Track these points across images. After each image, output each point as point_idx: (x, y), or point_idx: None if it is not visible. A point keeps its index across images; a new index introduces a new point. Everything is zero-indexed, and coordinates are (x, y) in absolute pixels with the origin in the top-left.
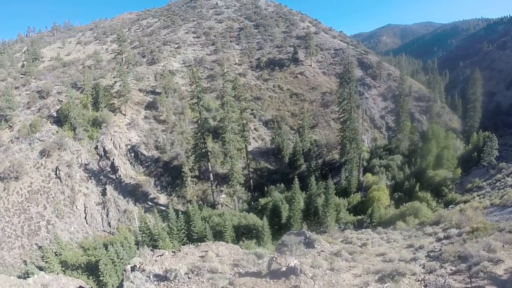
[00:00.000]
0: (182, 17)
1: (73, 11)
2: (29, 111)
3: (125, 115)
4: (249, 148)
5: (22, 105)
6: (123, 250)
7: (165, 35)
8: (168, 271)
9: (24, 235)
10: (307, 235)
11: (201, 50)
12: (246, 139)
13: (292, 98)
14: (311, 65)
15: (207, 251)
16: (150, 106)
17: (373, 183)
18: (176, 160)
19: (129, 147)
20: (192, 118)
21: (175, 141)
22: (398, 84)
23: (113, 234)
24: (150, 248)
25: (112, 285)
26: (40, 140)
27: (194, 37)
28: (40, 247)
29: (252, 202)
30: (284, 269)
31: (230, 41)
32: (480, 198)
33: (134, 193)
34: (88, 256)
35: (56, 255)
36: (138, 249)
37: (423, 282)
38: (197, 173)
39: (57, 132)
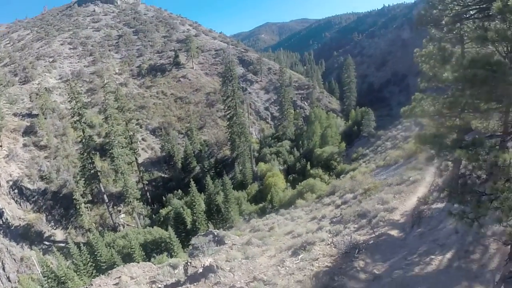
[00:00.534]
0: (57, 27)
1: None
2: None
3: (1, 146)
4: (140, 160)
5: None
6: None
7: (38, 48)
8: None
9: None
10: (215, 233)
11: (78, 62)
12: (135, 151)
13: (177, 102)
14: (193, 68)
15: (120, 277)
16: (28, 131)
17: (267, 170)
18: (65, 188)
19: (10, 183)
20: (75, 138)
21: (60, 166)
22: (278, 76)
23: None
24: None
25: None
26: None
27: (70, 49)
28: None
29: (154, 215)
30: (200, 270)
31: (109, 50)
32: (366, 164)
33: (27, 235)
34: None
35: None
36: None
37: (332, 244)
38: (90, 198)
39: None
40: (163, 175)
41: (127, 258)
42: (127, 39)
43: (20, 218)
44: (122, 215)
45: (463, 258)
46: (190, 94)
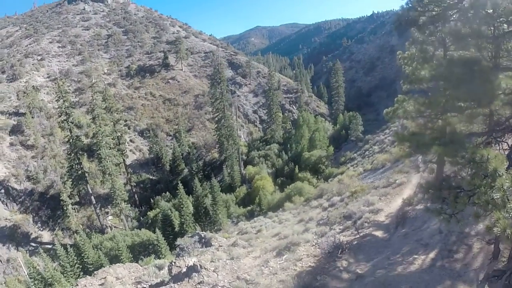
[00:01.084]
0: (46, 25)
1: None
2: None
3: None
4: (128, 162)
5: None
6: None
7: (27, 45)
8: None
9: None
10: (202, 235)
11: (67, 61)
12: (123, 152)
13: (165, 104)
14: (182, 69)
15: (105, 277)
16: (15, 130)
17: (256, 173)
18: (53, 189)
19: None
20: (63, 138)
21: (47, 167)
22: (267, 80)
23: None
24: None
25: None
26: None
27: (59, 47)
28: None
29: (141, 218)
30: (184, 270)
31: (98, 50)
32: (354, 168)
33: (13, 236)
34: None
35: None
36: None
37: (317, 245)
38: (77, 199)
39: None
40: (151, 177)
41: (115, 260)
42: (117, 39)
43: (6, 219)
44: (110, 217)
45: (447, 258)
46: (178, 96)
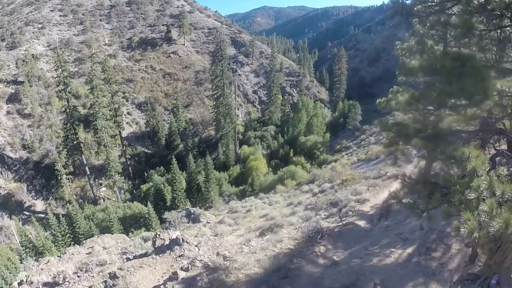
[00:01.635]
0: None
1: None
2: None
3: None
4: (124, 134)
5: None
6: (8, 272)
7: (28, 13)
8: (56, 275)
9: None
10: (192, 211)
11: (67, 30)
12: (120, 124)
13: (165, 78)
14: (184, 44)
15: (93, 247)
16: (13, 99)
17: (250, 154)
18: (48, 158)
19: None
20: (60, 107)
21: (43, 136)
22: (269, 61)
23: None
24: (34, 258)
25: None
26: None
27: (60, 16)
28: None
29: (134, 191)
30: (167, 242)
31: (100, 20)
32: (348, 156)
33: (6, 205)
34: None
35: None
36: (21, 263)
37: (299, 229)
38: (72, 169)
39: None
40: (146, 150)
41: (105, 231)
42: (120, 10)
43: (0, 187)
44: (103, 189)
45: (424, 255)
46: (179, 71)
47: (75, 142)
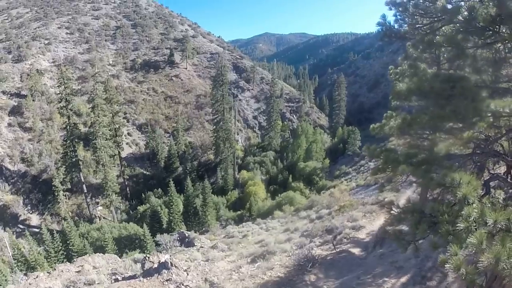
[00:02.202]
0: (57, 10)
1: None
2: None
3: None
4: (123, 154)
5: None
6: None
7: (35, 28)
8: None
9: None
10: (186, 234)
11: (73, 48)
12: (119, 144)
13: (167, 100)
14: (186, 68)
15: (83, 265)
16: (15, 111)
17: (249, 179)
18: (46, 173)
19: None
20: (61, 124)
21: (43, 151)
22: (270, 87)
23: None
24: (24, 272)
25: None
26: None
27: (67, 33)
28: None
29: (131, 211)
30: (156, 265)
31: (105, 40)
32: (347, 182)
33: (1, 216)
34: None
35: None
36: (11, 276)
37: (292, 256)
38: (69, 186)
39: None
40: (145, 172)
41: (99, 250)
42: (125, 31)
43: None
44: (100, 207)
45: (419, 284)
46: (180, 94)
47: (74, 159)
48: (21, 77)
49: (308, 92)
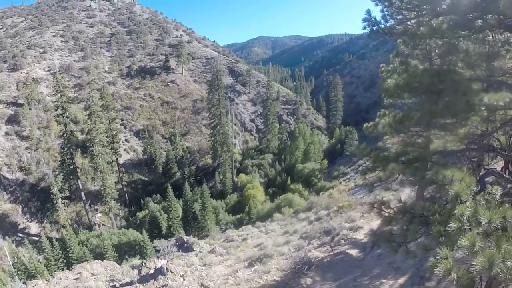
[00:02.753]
0: (51, 18)
1: None
2: None
3: None
4: (121, 161)
5: None
6: None
7: (30, 37)
8: None
9: None
10: (185, 239)
11: (68, 56)
12: (117, 151)
13: (163, 106)
14: (182, 73)
15: (81, 272)
16: (12, 120)
17: (248, 182)
18: (44, 181)
19: None
20: (58, 132)
21: (41, 159)
22: (266, 89)
23: None
24: (23, 281)
25: None
26: None
27: (62, 41)
28: None
29: (130, 217)
30: (152, 271)
31: (101, 47)
32: (346, 182)
33: (1, 225)
34: None
35: None
36: (11, 285)
37: (290, 259)
38: (68, 194)
39: None
40: (143, 178)
41: (99, 257)
42: (120, 38)
43: None
44: (99, 214)
45: (417, 285)
46: (177, 99)
47: (71, 167)
48: (17, 86)
49: (304, 94)
